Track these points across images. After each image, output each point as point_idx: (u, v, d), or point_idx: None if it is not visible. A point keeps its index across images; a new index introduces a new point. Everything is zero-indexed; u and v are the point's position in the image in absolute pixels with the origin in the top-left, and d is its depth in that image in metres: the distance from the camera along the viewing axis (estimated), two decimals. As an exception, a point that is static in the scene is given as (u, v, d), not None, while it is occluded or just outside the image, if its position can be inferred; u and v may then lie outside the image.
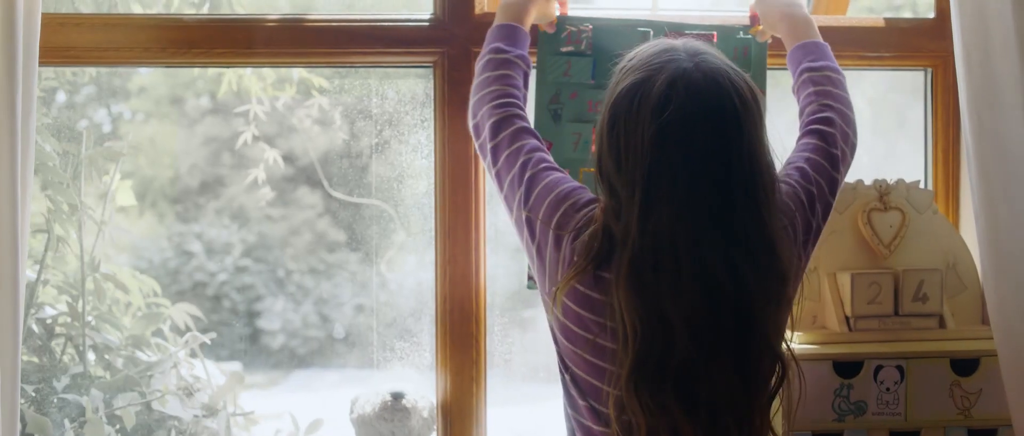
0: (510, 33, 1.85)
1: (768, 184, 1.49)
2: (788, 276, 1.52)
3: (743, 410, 1.48)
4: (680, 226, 1.43)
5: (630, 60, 1.55)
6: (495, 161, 1.69)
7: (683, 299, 1.43)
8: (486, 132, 1.72)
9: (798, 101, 1.85)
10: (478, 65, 1.83)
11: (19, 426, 1.83)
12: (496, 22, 1.88)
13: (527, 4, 1.90)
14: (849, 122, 1.77)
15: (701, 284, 1.44)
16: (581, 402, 1.56)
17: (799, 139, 1.77)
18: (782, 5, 1.94)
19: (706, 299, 1.44)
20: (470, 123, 1.79)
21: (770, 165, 1.51)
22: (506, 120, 1.71)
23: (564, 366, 1.60)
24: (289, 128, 2.75)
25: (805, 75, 1.84)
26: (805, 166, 1.69)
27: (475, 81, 1.81)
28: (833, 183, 1.70)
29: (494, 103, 1.74)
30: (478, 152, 1.77)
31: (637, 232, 1.44)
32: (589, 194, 1.61)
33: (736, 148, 1.46)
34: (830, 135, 1.73)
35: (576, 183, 1.64)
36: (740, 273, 1.45)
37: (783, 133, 2.11)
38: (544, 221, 1.59)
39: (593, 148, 1.64)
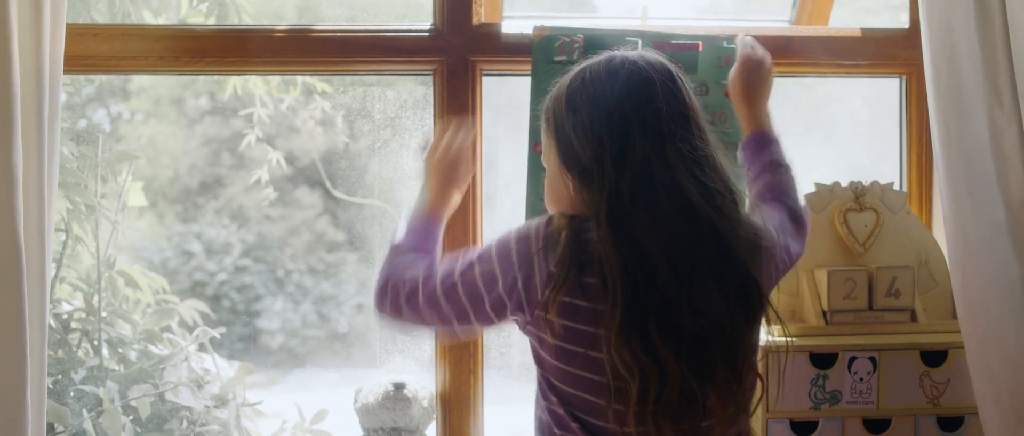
0: (424, 236, 1.78)
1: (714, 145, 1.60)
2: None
3: (728, 336, 1.52)
4: (656, 159, 1.51)
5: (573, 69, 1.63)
6: (441, 302, 1.63)
7: (662, 229, 1.49)
8: (420, 299, 1.64)
9: (760, 187, 1.90)
10: (389, 251, 1.75)
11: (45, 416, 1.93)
12: (415, 215, 1.81)
13: (450, 192, 1.86)
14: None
15: (679, 208, 1.50)
16: (572, 423, 1.56)
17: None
18: (756, 86, 2.00)
19: (685, 224, 1.50)
20: (394, 302, 1.67)
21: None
22: (425, 282, 1.64)
23: (551, 390, 1.58)
24: (289, 129, 2.79)
25: (773, 173, 1.90)
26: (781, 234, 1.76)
27: (387, 267, 1.72)
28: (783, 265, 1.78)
29: (405, 283, 1.67)
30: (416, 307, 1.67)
31: (614, 172, 1.51)
32: (527, 224, 1.60)
33: (689, 100, 1.58)
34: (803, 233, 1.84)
35: (498, 241, 1.60)
36: (713, 197, 1.52)
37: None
38: (508, 281, 1.56)
39: (546, 158, 1.64)
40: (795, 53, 2.26)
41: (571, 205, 1.58)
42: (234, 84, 2.70)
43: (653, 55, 1.60)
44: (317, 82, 2.72)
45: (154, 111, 2.86)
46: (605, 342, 1.50)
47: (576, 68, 1.62)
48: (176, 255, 2.86)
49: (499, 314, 1.58)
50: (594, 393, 1.54)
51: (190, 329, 2.64)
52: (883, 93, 2.40)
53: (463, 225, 2.19)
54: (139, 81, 2.86)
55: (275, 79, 2.70)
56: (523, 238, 1.56)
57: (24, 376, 1.78)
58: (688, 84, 1.60)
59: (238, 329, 2.84)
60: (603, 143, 1.53)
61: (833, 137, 2.59)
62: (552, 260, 1.53)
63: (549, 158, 1.63)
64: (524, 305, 1.56)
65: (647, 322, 1.49)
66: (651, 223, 1.50)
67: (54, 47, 1.88)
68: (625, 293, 1.49)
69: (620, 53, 1.60)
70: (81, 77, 2.67)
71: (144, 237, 2.69)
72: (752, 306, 1.56)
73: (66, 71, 1.97)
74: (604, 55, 1.61)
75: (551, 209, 1.65)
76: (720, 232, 1.52)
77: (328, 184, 2.75)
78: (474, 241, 2.20)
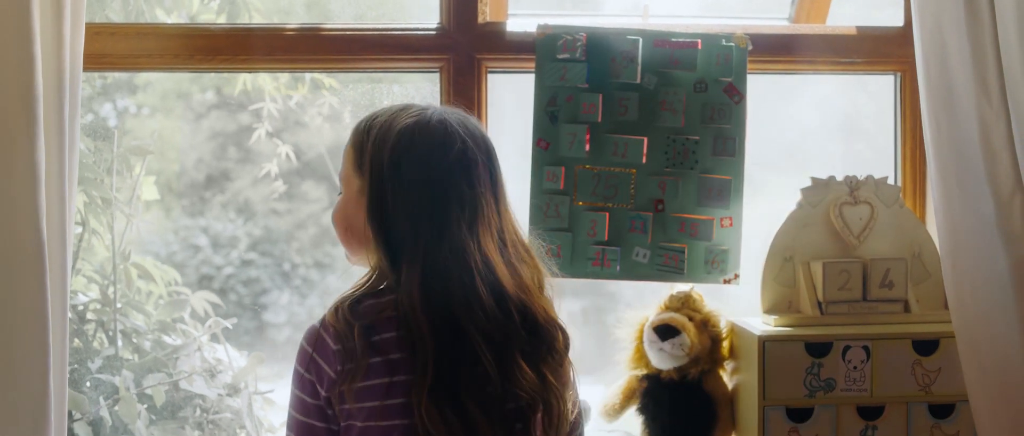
0: None
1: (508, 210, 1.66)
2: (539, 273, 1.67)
3: (541, 403, 1.59)
4: (469, 237, 1.56)
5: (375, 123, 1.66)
6: None
7: (473, 304, 1.55)
8: None
9: None
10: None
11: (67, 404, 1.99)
12: None
13: None
14: None
15: (488, 287, 1.56)
16: None
17: None
18: None
19: (496, 302, 1.56)
20: None
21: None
22: None
23: None
24: (296, 123, 2.81)
25: None
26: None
27: None
28: None
29: None
30: None
31: (424, 249, 1.55)
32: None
33: (499, 170, 1.65)
34: None
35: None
36: (517, 272, 1.60)
37: (759, 135, 2.28)
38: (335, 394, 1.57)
39: (348, 185, 1.67)
40: (793, 51, 2.31)
41: (360, 240, 1.63)
42: (244, 80, 2.75)
43: (476, 127, 1.65)
44: (325, 78, 2.76)
45: (161, 105, 2.87)
46: (415, 407, 1.53)
47: (405, 118, 1.62)
48: (183, 249, 2.86)
49: (328, 416, 1.59)
50: None
51: (202, 320, 2.69)
52: (880, 89, 2.45)
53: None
54: (145, 75, 2.87)
55: (284, 76, 2.75)
56: (300, 353, 1.60)
57: (46, 364, 1.84)
58: (495, 153, 1.66)
59: (245, 322, 2.83)
60: (422, 215, 1.56)
61: (831, 132, 2.64)
62: (335, 358, 1.56)
63: (351, 188, 1.65)
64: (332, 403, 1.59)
65: (458, 390, 1.54)
66: (464, 299, 1.55)
67: (74, 46, 1.94)
68: (437, 363, 1.53)
69: (452, 118, 1.62)
70: (93, 73, 2.72)
71: (151, 231, 2.72)
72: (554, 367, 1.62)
73: (84, 69, 2.02)
74: (436, 116, 1.62)
75: (339, 229, 1.68)
76: (528, 308, 1.59)
77: (336, 178, 2.78)
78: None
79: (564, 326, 1.66)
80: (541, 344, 1.60)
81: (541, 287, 1.65)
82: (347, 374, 1.55)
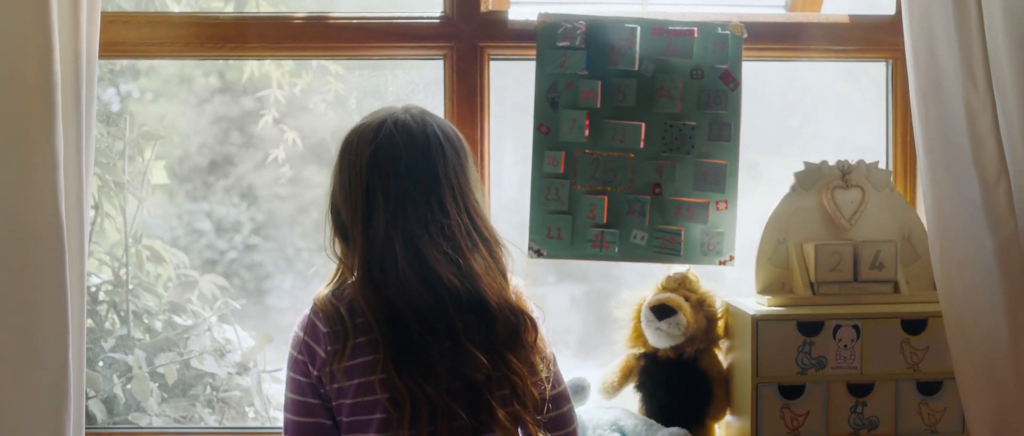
0: None
1: (477, 200, 1.77)
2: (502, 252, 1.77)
3: (494, 381, 1.69)
4: (394, 230, 1.68)
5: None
6: None
7: (406, 291, 1.66)
8: None
9: None
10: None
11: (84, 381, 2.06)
12: None
13: None
14: None
15: (419, 276, 1.67)
16: None
17: None
18: None
19: (427, 289, 1.67)
20: None
21: (478, 190, 1.79)
22: None
23: None
24: (301, 109, 2.84)
25: None
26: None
27: None
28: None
29: None
30: None
31: (363, 242, 1.69)
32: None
33: (443, 164, 1.73)
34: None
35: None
36: (456, 260, 1.69)
37: (755, 120, 2.33)
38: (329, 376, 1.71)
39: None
40: (788, 38, 2.36)
41: None
42: (251, 67, 2.79)
43: (426, 125, 1.75)
44: (331, 64, 2.79)
45: (164, 90, 2.89)
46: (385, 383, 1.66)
47: (359, 122, 1.79)
48: (186, 233, 2.89)
49: (321, 394, 1.73)
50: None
51: (210, 302, 2.75)
52: (874, 77, 2.49)
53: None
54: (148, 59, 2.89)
55: (289, 63, 2.78)
56: (293, 338, 1.75)
57: (66, 342, 1.91)
58: (465, 146, 1.78)
59: (249, 307, 2.86)
60: (353, 211, 1.71)
61: (825, 118, 2.68)
62: (325, 340, 1.70)
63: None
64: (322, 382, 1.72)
65: (410, 363, 1.65)
66: (398, 288, 1.67)
67: (90, 35, 2.00)
68: (386, 340, 1.66)
69: (391, 116, 1.75)
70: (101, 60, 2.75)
71: (155, 214, 2.75)
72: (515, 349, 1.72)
73: (99, 57, 2.08)
74: (379, 116, 1.76)
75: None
76: (473, 293, 1.69)
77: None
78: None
79: (527, 310, 1.75)
80: (492, 327, 1.69)
81: (502, 274, 1.74)
82: (336, 354, 1.68)
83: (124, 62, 2.77)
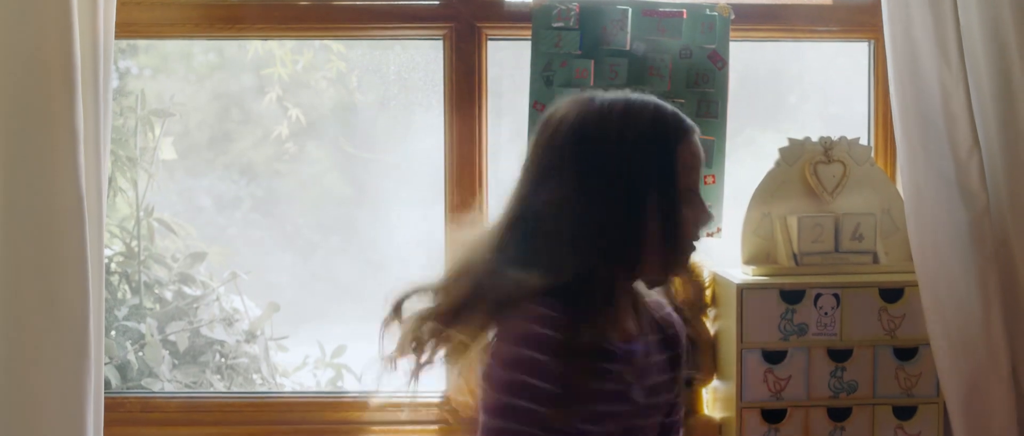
0: None
1: None
2: None
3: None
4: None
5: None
6: None
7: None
8: None
9: None
10: None
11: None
12: None
13: None
14: None
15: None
16: None
17: None
18: None
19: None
20: None
21: None
22: None
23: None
24: (302, 85, 2.86)
25: None
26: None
27: None
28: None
29: None
30: None
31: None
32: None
33: None
34: None
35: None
36: None
37: (740, 106, 2.40)
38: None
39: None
40: (773, 20, 2.45)
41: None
42: (255, 46, 2.85)
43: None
44: (332, 42, 2.86)
45: (162, 66, 2.89)
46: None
47: (602, 97, 1.62)
48: (187, 209, 2.89)
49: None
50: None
51: (217, 274, 2.83)
52: (856, 57, 2.57)
53: (470, 175, 2.40)
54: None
55: (291, 42, 2.83)
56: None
57: (87, 309, 2.01)
58: None
59: (252, 281, 2.86)
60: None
61: (810, 96, 2.74)
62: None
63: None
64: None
65: None
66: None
67: (107, 15, 2.10)
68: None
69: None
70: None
71: (156, 191, 2.80)
72: None
73: (115, 37, 2.17)
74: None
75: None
76: None
77: (341, 139, 2.86)
78: (480, 192, 2.39)
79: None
80: None
81: None
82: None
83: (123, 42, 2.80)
